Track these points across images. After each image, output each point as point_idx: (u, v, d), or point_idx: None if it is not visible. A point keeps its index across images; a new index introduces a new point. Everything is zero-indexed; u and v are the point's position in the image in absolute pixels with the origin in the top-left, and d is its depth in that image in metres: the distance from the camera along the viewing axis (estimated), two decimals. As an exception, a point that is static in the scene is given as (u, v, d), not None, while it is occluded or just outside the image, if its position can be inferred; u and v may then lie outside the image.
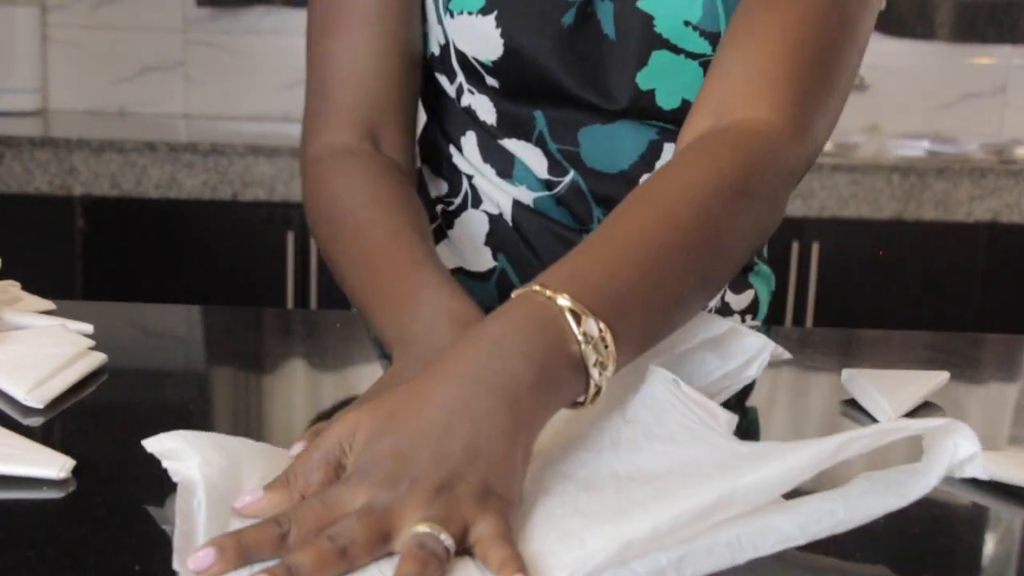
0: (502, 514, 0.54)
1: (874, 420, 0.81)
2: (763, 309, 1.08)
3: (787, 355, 0.81)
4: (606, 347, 0.61)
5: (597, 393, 0.62)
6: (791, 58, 0.79)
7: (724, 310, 1.04)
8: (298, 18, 2.76)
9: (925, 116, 2.85)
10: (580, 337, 0.61)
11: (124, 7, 2.75)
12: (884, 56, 2.80)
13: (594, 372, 0.61)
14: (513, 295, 0.64)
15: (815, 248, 2.36)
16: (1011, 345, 1.10)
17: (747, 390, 0.96)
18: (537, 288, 0.62)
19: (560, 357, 0.60)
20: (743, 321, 1.06)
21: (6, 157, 2.25)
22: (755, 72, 0.79)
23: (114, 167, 2.26)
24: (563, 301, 0.61)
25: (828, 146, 2.76)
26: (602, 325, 0.61)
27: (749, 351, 0.78)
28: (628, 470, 0.60)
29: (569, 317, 0.61)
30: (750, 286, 1.07)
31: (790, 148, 0.78)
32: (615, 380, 0.64)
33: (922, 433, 0.57)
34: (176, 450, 0.61)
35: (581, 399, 0.62)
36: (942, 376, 0.87)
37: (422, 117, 1.09)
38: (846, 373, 0.86)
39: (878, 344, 1.08)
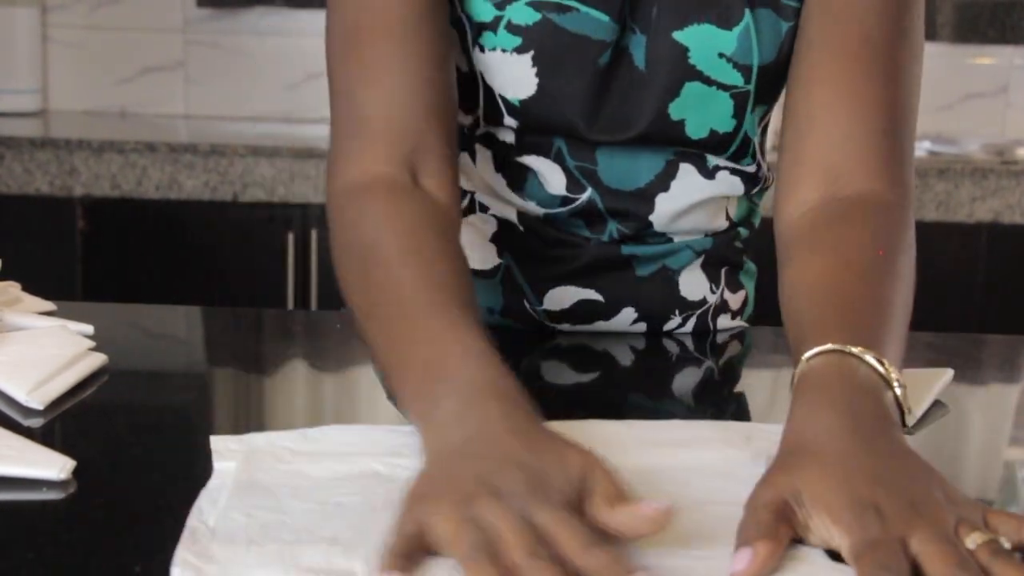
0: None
1: None
2: (750, 307, 1.09)
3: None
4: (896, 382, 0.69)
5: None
6: (890, 127, 0.85)
7: (722, 308, 1.05)
8: (299, 18, 2.76)
9: (926, 117, 2.84)
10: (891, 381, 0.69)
11: (124, 7, 2.75)
12: (885, 57, 2.79)
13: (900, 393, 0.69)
14: (813, 359, 0.70)
15: (816, 249, 2.36)
16: (1012, 345, 1.10)
17: (749, 390, 0.96)
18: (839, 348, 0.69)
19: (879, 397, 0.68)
20: (733, 320, 1.07)
21: (6, 158, 2.25)
22: (866, 144, 0.84)
23: (114, 168, 2.26)
24: (869, 358, 0.69)
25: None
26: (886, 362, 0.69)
27: None
28: None
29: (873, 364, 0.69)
30: (742, 286, 1.08)
31: (909, 217, 0.84)
32: None
33: None
34: (234, 452, 0.64)
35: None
36: (947, 373, 0.87)
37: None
38: None
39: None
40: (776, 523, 0.58)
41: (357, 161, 0.86)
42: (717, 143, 0.95)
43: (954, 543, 0.56)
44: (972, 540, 0.56)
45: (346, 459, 0.68)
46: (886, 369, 0.68)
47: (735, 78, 0.91)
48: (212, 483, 0.64)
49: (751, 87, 0.92)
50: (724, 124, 0.94)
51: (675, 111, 0.92)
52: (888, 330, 0.73)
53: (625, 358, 0.98)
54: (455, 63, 0.94)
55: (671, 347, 1.00)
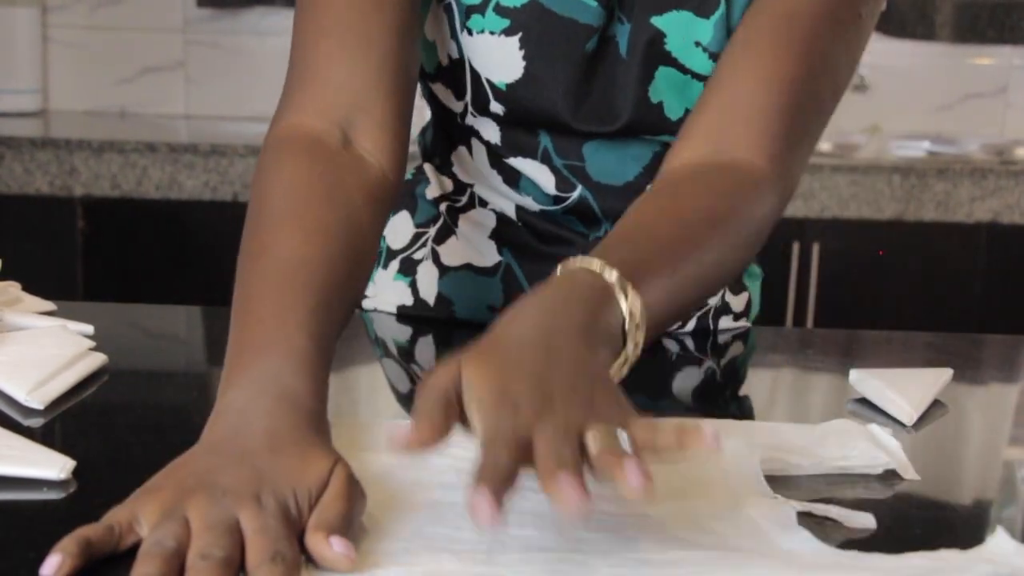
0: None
1: (892, 418, 0.81)
2: (755, 308, 1.09)
3: (913, 475, 0.72)
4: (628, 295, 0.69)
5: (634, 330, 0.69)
6: (788, 105, 0.84)
7: (724, 309, 1.04)
8: (298, 19, 2.76)
9: (926, 117, 2.85)
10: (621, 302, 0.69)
11: (124, 7, 2.75)
12: (884, 56, 2.80)
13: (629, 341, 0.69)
14: (560, 271, 0.70)
15: (816, 249, 2.36)
16: (1012, 345, 1.10)
17: (752, 391, 0.96)
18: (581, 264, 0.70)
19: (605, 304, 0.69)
20: (736, 321, 1.06)
21: (6, 158, 2.25)
22: (757, 114, 0.83)
23: (115, 168, 2.26)
24: (608, 275, 0.69)
25: (828, 147, 2.76)
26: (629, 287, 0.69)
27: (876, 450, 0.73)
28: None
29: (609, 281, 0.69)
30: (745, 288, 1.07)
31: (774, 197, 0.83)
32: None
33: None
34: None
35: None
36: (946, 373, 0.88)
37: (424, 117, 1.09)
38: (855, 374, 0.86)
39: (879, 345, 1.09)
40: (441, 407, 0.59)
41: (293, 112, 0.86)
42: None
43: (569, 439, 0.56)
44: (591, 437, 0.57)
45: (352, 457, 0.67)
46: (622, 290, 0.69)
47: (706, 67, 0.91)
48: None
49: None
50: None
51: (654, 94, 0.93)
52: (658, 272, 0.73)
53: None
54: (443, 51, 0.94)
55: (671, 346, 1.00)
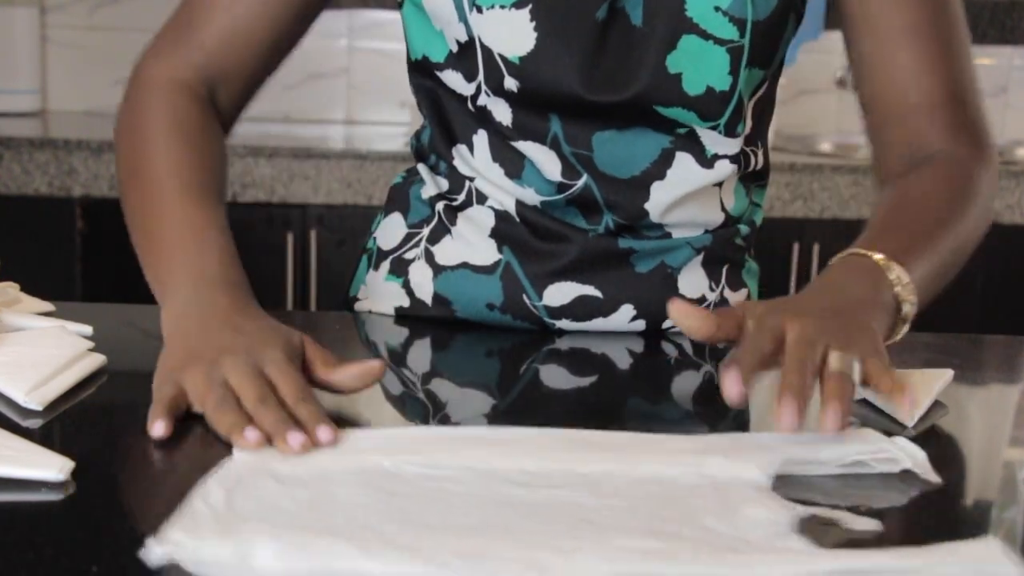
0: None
1: (893, 420, 0.81)
2: None
3: (934, 478, 0.72)
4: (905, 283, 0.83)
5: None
6: (952, 80, 0.98)
7: (723, 305, 1.05)
8: (298, 19, 2.76)
9: (925, 117, 2.85)
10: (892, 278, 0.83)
11: (124, 8, 2.74)
12: (884, 57, 2.79)
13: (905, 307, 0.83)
14: (832, 261, 0.86)
15: (816, 249, 2.36)
16: (1012, 345, 1.10)
17: (751, 391, 0.96)
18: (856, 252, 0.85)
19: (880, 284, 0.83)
20: None
21: (5, 158, 2.25)
22: (937, 107, 0.98)
23: (114, 168, 2.25)
24: (877, 256, 0.84)
25: (828, 147, 2.76)
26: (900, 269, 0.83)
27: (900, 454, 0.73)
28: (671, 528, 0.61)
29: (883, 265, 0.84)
30: (744, 284, 1.08)
31: (985, 167, 0.99)
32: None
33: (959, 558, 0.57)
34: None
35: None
36: (947, 374, 0.87)
37: (420, 118, 1.09)
38: (855, 374, 0.86)
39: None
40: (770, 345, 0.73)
41: (167, 60, 0.99)
42: (714, 104, 0.95)
43: (814, 349, 0.72)
44: (835, 357, 0.72)
45: (356, 454, 0.69)
46: (891, 270, 0.83)
47: (731, 32, 0.93)
48: (225, 467, 0.66)
49: (745, 41, 0.94)
50: (721, 81, 0.95)
51: (672, 64, 0.94)
52: (916, 250, 0.86)
53: (623, 362, 0.98)
54: (450, 37, 0.96)
55: (670, 351, 1.00)
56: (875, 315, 0.80)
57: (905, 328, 0.84)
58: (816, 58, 2.81)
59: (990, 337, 1.15)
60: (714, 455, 0.70)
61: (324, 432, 0.69)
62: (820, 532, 0.61)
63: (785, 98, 2.77)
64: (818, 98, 2.88)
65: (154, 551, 0.55)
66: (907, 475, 0.70)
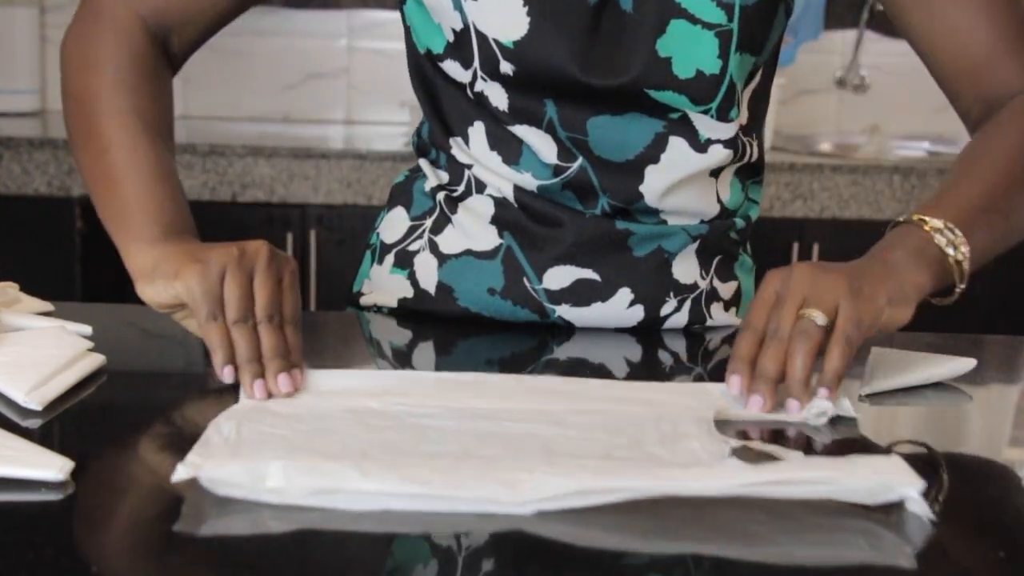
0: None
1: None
2: (745, 299, 1.09)
3: (852, 413, 0.81)
4: (958, 240, 0.89)
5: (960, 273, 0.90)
6: (1011, 23, 1.00)
7: (713, 295, 1.05)
8: (297, 19, 2.76)
9: (926, 117, 2.85)
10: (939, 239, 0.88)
11: (123, 8, 2.74)
12: (884, 56, 2.80)
13: (949, 251, 0.88)
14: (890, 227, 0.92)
15: (815, 249, 2.36)
16: (1012, 345, 1.10)
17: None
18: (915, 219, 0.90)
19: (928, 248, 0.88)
20: (727, 311, 1.08)
21: (5, 158, 2.25)
22: (1000, 53, 1.01)
23: (113, 168, 2.26)
24: (935, 221, 0.89)
25: (828, 147, 2.76)
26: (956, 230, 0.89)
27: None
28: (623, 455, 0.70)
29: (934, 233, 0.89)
30: (735, 277, 1.08)
31: None
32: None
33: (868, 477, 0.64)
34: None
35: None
36: (970, 363, 0.92)
37: (419, 114, 1.10)
38: (871, 361, 0.90)
39: (879, 345, 1.08)
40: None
41: (118, 9, 1.02)
42: (704, 88, 0.96)
43: (779, 316, 0.81)
44: (817, 315, 0.81)
45: (347, 396, 0.79)
46: (948, 235, 0.88)
47: (718, 16, 0.94)
48: (233, 408, 0.76)
49: (734, 26, 0.95)
50: (710, 65, 0.96)
51: (663, 48, 0.95)
52: (977, 206, 0.92)
53: (620, 370, 0.98)
54: (446, 27, 0.98)
55: (664, 358, 1.00)
56: (889, 278, 0.84)
57: (961, 286, 0.91)
58: (816, 58, 2.81)
59: (990, 337, 1.15)
60: (664, 395, 0.82)
61: (283, 382, 0.80)
62: (752, 459, 0.67)
63: (785, 98, 2.77)
64: (818, 98, 2.89)
65: (178, 471, 0.62)
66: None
